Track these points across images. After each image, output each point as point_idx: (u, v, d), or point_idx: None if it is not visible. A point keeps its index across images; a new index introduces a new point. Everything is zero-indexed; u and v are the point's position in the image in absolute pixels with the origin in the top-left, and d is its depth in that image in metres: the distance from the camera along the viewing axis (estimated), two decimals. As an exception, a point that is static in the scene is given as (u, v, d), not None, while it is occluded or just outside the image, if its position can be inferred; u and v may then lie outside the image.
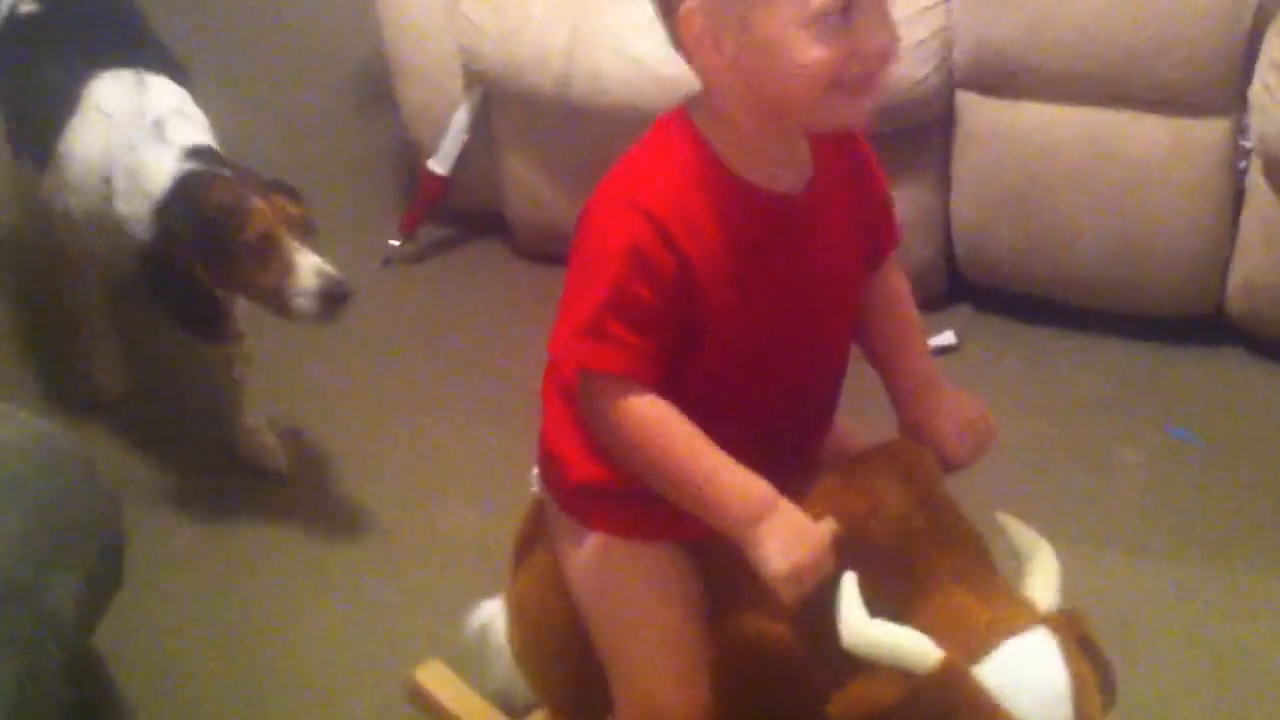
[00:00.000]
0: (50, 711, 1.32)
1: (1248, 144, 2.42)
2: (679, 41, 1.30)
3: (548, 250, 2.64)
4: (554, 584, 1.56)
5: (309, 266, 2.04)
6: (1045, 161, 2.52)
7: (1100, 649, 1.35)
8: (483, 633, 1.77)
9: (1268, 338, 2.52)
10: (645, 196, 1.31)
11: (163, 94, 2.26)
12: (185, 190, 2.10)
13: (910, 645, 1.27)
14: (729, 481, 1.32)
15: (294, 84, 3.49)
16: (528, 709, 1.75)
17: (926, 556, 1.34)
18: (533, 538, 1.61)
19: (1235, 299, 2.52)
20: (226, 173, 2.11)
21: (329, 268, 2.05)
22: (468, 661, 1.82)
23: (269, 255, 2.05)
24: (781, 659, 1.40)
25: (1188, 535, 2.18)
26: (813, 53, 1.25)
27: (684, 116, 1.35)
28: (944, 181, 2.62)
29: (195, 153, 2.14)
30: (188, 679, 2.01)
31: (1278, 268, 2.45)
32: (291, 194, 2.13)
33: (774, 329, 1.38)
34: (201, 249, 2.06)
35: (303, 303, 2.04)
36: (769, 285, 1.36)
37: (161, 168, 2.12)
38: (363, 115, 3.28)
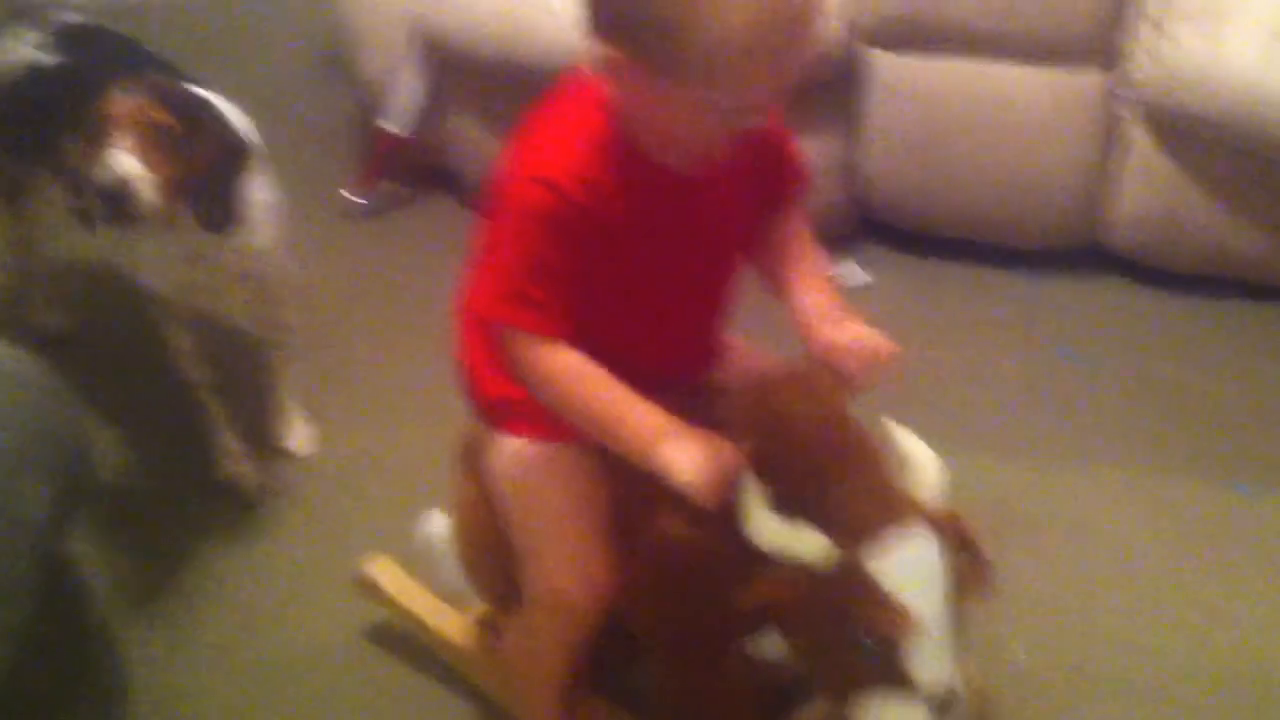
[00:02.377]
0: (24, 603, 1.35)
1: (1121, 91, 2.47)
2: (595, 55, 1.32)
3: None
4: (482, 496, 1.62)
5: (114, 162, 1.85)
6: (941, 111, 2.57)
7: (978, 544, 1.39)
8: (429, 538, 1.82)
9: (1145, 266, 2.58)
10: (556, 170, 1.35)
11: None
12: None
13: (809, 542, 1.32)
14: (635, 415, 1.37)
15: (257, 53, 3.49)
16: (471, 604, 1.81)
17: (826, 464, 1.37)
18: (471, 450, 1.65)
19: (1115, 231, 2.58)
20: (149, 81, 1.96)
21: (136, 173, 1.86)
22: (418, 564, 1.88)
23: (95, 140, 1.89)
24: (697, 559, 1.44)
25: (1058, 436, 2.25)
26: (699, 143, 1.34)
27: (591, 96, 1.37)
28: (853, 132, 2.65)
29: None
30: (151, 582, 2.03)
31: (1153, 203, 2.51)
32: (175, 106, 1.94)
33: (666, 283, 1.45)
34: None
35: (87, 192, 1.89)
36: (663, 246, 1.42)
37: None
38: (322, 81, 3.28)
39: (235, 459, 2.23)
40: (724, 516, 1.35)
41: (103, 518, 1.94)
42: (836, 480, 1.36)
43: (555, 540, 1.53)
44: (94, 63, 2.18)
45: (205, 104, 2.03)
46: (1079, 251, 2.63)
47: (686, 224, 1.42)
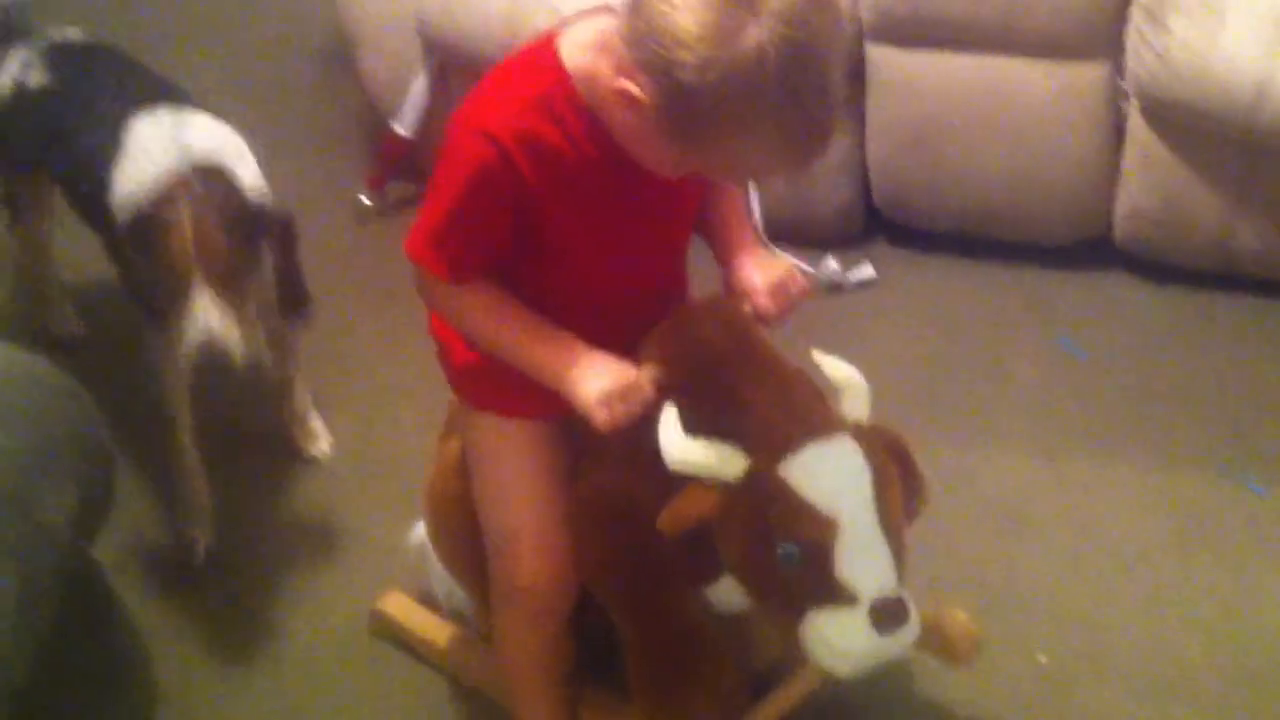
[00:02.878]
0: (48, 612, 1.33)
1: (1125, 85, 2.46)
2: (617, 61, 1.28)
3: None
4: (455, 468, 1.62)
5: (199, 320, 1.80)
6: (946, 106, 2.55)
7: (912, 459, 1.40)
8: (422, 544, 1.81)
9: (1148, 260, 2.57)
10: (497, 123, 1.33)
11: (202, 128, 2.00)
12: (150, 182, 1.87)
13: (721, 456, 1.33)
14: (546, 345, 1.40)
15: (265, 55, 3.49)
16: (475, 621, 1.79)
17: (742, 387, 1.39)
18: (449, 433, 1.66)
19: (1119, 226, 2.57)
20: (198, 186, 1.86)
21: (223, 329, 1.80)
22: (412, 570, 1.89)
23: (174, 280, 1.82)
24: (626, 501, 1.45)
25: (1069, 433, 2.24)
26: (669, 171, 1.34)
27: (556, 52, 1.35)
28: (859, 129, 2.64)
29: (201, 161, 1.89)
30: (178, 590, 2.03)
31: (1155, 196, 2.50)
32: (237, 219, 1.86)
33: (617, 243, 1.44)
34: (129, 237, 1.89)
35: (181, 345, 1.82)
36: (610, 209, 1.41)
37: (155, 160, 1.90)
38: (330, 83, 3.28)
39: (197, 517, 2.08)
40: (649, 457, 1.35)
41: (123, 524, 1.93)
42: (752, 402, 1.37)
43: (518, 525, 1.52)
44: (87, 83, 2.12)
45: (259, 201, 1.93)
46: (1087, 245, 2.62)
47: (636, 187, 1.41)
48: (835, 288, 2.61)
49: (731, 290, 1.49)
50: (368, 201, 2.90)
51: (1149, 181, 2.50)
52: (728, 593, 1.45)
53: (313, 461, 2.28)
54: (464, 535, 1.61)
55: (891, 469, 1.35)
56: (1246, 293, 2.51)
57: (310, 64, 3.43)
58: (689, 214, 1.51)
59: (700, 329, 1.43)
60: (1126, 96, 2.48)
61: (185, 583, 2.05)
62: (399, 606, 1.91)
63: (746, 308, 1.46)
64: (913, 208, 2.71)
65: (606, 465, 1.48)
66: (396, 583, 1.95)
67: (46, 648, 1.33)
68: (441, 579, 1.79)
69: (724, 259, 1.52)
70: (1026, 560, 1.98)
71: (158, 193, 1.85)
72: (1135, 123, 2.48)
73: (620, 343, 1.42)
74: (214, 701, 1.86)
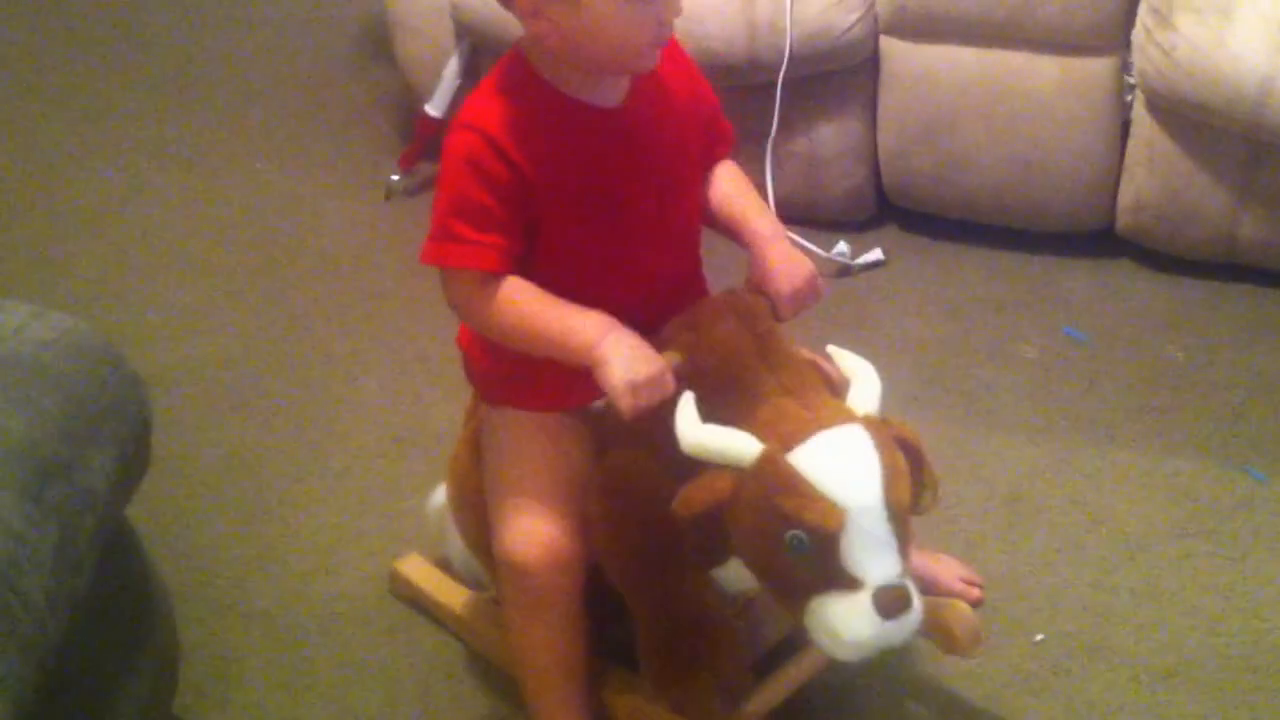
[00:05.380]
0: (85, 571, 1.32)
1: (1132, 79, 2.43)
2: (510, 6, 1.36)
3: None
4: (470, 445, 1.62)
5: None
6: (955, 97, 2.52)
7: (922, 452, 1.38)
8: (442, 510, 1.79)
9: (1152, 250, 2.54)
10: (478, 118, 1.37)
11: None
12: None
13: (734, 442, 1.32)
14: (573, 320, 1.39)
15: (304, 38, 3.47)
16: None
17: (756, 377, 1.38)
18: (472, 414, 1.66)
19: (1124, 216, 2.54)
20: None
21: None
22: (430, 535, 1.87)
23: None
24: (642, 482, 1.44)
25: (1072, 418, 2.20)
26: (633, 28, 1.32)
27: (519, 55, 1.41)
28: (872, 117, 2.62)
29: None
30: (204, 550, 2.02)
31: (1160, 188, 2.46)
32: None
33: (614, 220, 1.43)
34: None
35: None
36: (601, 183, 1.42)
37: None
38: (366, 65, 3.26)
39: None
40: (666, 441, 1.35)
41: (160, 487, 1.92)
42: (766, 392, 1.37)
43: (524, 513, 1.50)
44: None
45: None
46: (1092, 235, 2.59)
47: (622, 162, 1.42)
48: (844, 270, 2.58)
49: (752, 282, 1.49)
50: (398, 179, 2.88)
51: (1154, 173, 2.47)
52: (736, 574, 1.44)
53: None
54: (483, 509, 1.59)
55: (901, 460, 1.34)
56: (1249, 282, 2.47)
57: (346, 44, 3.41)
58: (688, 185, 1.50)
59: (718, 322, 1.42)
60: (1133, 91, 2.44)
61: (210, 543, 2.03)
62: (417, 569, 1.90)
63: (765, 303, 1.45)
64: (922, 195, 2.68)
65: (623, 450, 1.47)
66: (415, 545, 1.93)
67: (82, 605, 1.32)
68: (458, 546, 1.78)
69: (748, 246, 1.51)
70: (1027, 543, 1.95)
71: None
72: (1141, 116, 2.45)
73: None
74: (236, 655, 1.85)
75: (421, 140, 2.86)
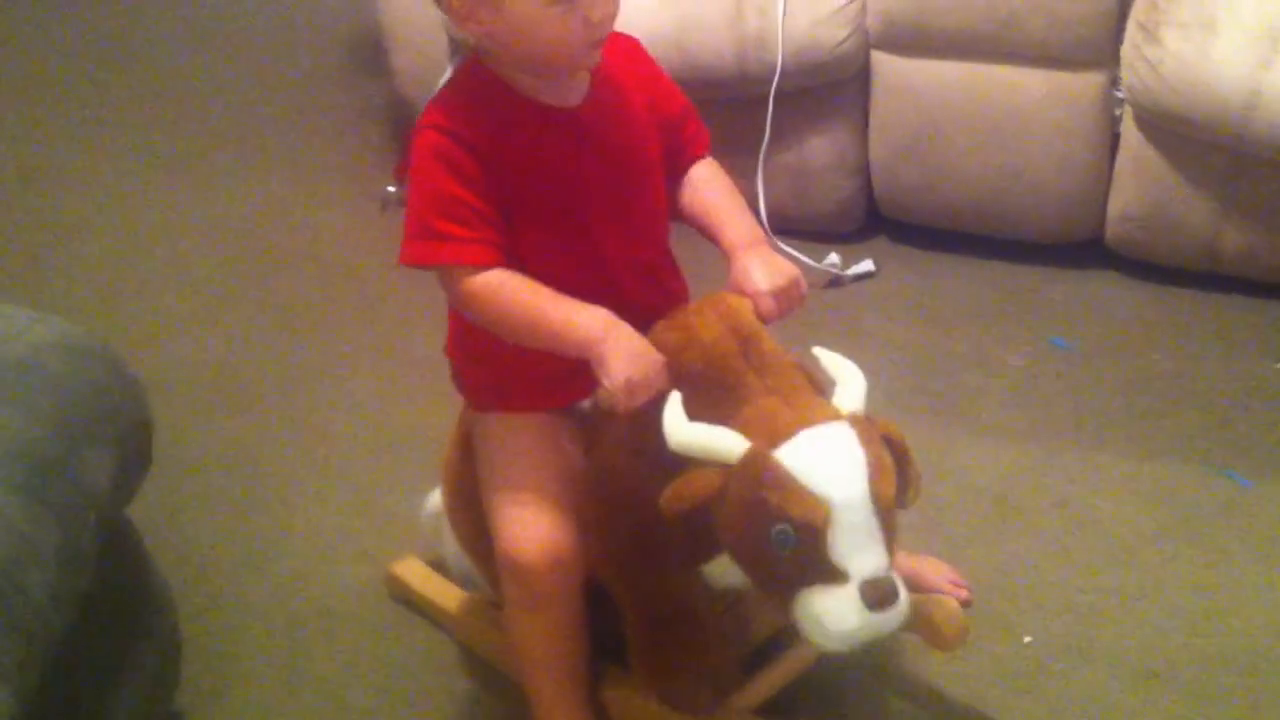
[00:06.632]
0: (87, 567, 1.33)
1: (1120, 94, 2.46)
2: (445, 10, 1.38)
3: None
4: (460, 447, 1.63)
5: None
6: (943, 111, 2.55)
7: (907, 449, 1.39)
8: (438, 512, 1.80)
9: (1137, 260, 2.56)
10: (440, 117, 1.39)
11: None
12: None
13: (720, 440, 1.33)
14: (572, 314, 1.39)
15: (297, 49, 3.49)
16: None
17: (741, 379, 1.39)
18: (462, 416, 1.67)
19: (1111, 227, 2.56)
20: None
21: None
22: (425, 538, 1.87)
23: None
24: (632, 481, 1.45)
25: (1058, 423, 2.22)
26: (557, 29, 1.33)
27: (477, 61, 1.43)
28: (863, 130, 2.64)
29: None
30: (202, 548, 2.03)
31: (1146, 201, 2.49)
32: None
33: (574, 213, 1.44)
34: None
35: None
36: (559, 179, 1.42)
37: None
38: (358, 76, 3.29)
39: None
40: (653, 441, 1.36)
41: (159, 487, 1.93)
42: (752, 392, 1.37)
43: (518, 511, 1.51)
44: None
45: None
46: (1079, 246, 2.61)
47: (579, 159, 1.43)
48: (836, 281, 2.60)
49: (735, 286, 1.49)
50: (393, 190, 2.89)
51: (1140, 185, 2.49)
52: (724, 570, 1.45)
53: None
54: (477, 511, 1.60)
55: (886, 456, 1.34)
56: (1232, 292, 2.50)
57: (340, 54, 3.43)
58: (647, 180, 1.51)
59: (704, 324, 1.43)
60: (1121, 105, 2.47)
61: (209, 542, 2.04)
62: (414, 572, 1.91)
63: (749, 306, 1.46)
64: (913, 206, 2.70)
65: (611, 447, 1.48)
66: (411, 547, 1.94)
67: (84, 601, 1.33)
68: (455, 548, 1.78)
69: (728, 252, 1.51)
70: (1013, 547, 1.97)
71: None
72: (1128, 129, 2.48)
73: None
74: (234, 653, 1.86)
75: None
